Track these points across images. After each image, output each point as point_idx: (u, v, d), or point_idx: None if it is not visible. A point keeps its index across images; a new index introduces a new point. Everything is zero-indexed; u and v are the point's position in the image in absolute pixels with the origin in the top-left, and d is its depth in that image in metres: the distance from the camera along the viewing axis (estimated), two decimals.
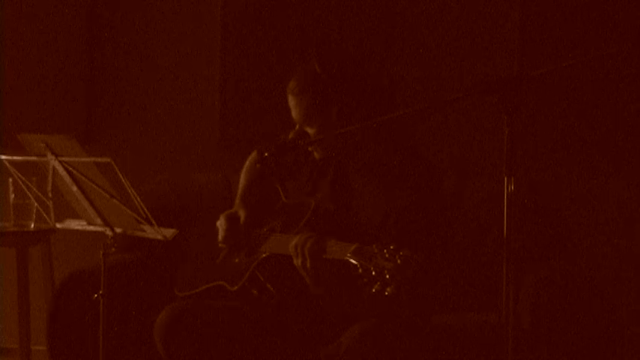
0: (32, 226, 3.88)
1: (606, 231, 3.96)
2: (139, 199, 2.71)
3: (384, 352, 2.64)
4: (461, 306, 3.38)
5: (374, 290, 2.41)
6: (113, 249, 2.90)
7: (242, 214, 3.02)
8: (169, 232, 2.78)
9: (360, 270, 2.45)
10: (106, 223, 2.87)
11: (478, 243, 3.46)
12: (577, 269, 3.26)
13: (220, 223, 3.02)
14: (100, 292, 2.87)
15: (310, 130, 2.85)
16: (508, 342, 2.20)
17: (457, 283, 3.42)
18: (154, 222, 2.75)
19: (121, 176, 2.66)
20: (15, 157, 2.91)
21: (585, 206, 3.96)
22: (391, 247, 2.43)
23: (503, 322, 2.20)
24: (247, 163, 3.19)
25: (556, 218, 3.49)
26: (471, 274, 3.44)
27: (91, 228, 2.93)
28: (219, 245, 3.02)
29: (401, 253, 2.41)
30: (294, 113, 2.87)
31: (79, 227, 2.97)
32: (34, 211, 3.85)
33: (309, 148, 2.91)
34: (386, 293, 2.40)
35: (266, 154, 2.83)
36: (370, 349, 2.62)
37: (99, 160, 2.72)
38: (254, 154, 3.18)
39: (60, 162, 2.80)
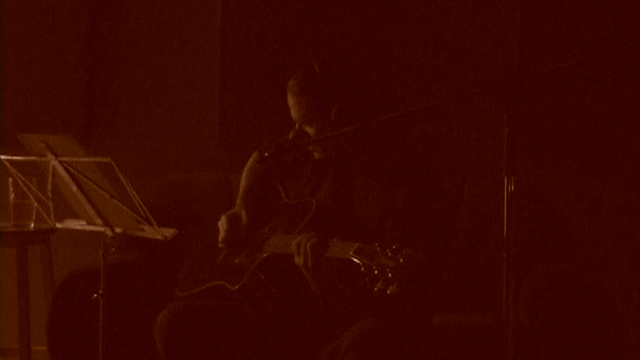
0: (32, 226, 3.88)
1: (606, 231, 3.96)
2: (138, 198, 2.71)
3: (384, 352, 2.64)
4: (461, 306, 3.38)
5: (376, 289, 2.41)
6: (113, 249, 2.90)
7: (244, 214, 3.02)
8: (169, 232, 2.78)
9: (363, 269, 2.45)
10: (106, 223, 2.87)
11: (478, 243, 3.46)
12: (577, 269, 3.26)
13: (221, 224, 3.01)
14: (100, 292, 2.87)
15: (310, 130, 2.85)
16: (508, 342, 2.20)
17: (457, 283, 3.42)
18: (154, 222, 2.75)
19: (121, 176, 2.66)
20: (15, 157, 2.91)
21: (585, 206, 3.95)
22: (394, 247, 2.43)
23: (504, 322, 2.20)
24: (249, 163, 3.19)
25: (556, 218, 3.49)
26: (471, 274, 3.44)
27: (91, 228, 2.93)
28: (220, 245, 3.02)
29: (404, 252, 2.41)
30: (293, 112, 2.87)
31: (79, 227, 2.97)
32: (34, 211, 3.85)
33: (310, 148, 2.91)
34: (388, 292, 2.39)
35: (266, 155, 2.83)
36: (370, 349, 2.62)
37: (99, 160, 2.72)
38: (255, 155, 3.18)
39: (60, 162, 2.80)
